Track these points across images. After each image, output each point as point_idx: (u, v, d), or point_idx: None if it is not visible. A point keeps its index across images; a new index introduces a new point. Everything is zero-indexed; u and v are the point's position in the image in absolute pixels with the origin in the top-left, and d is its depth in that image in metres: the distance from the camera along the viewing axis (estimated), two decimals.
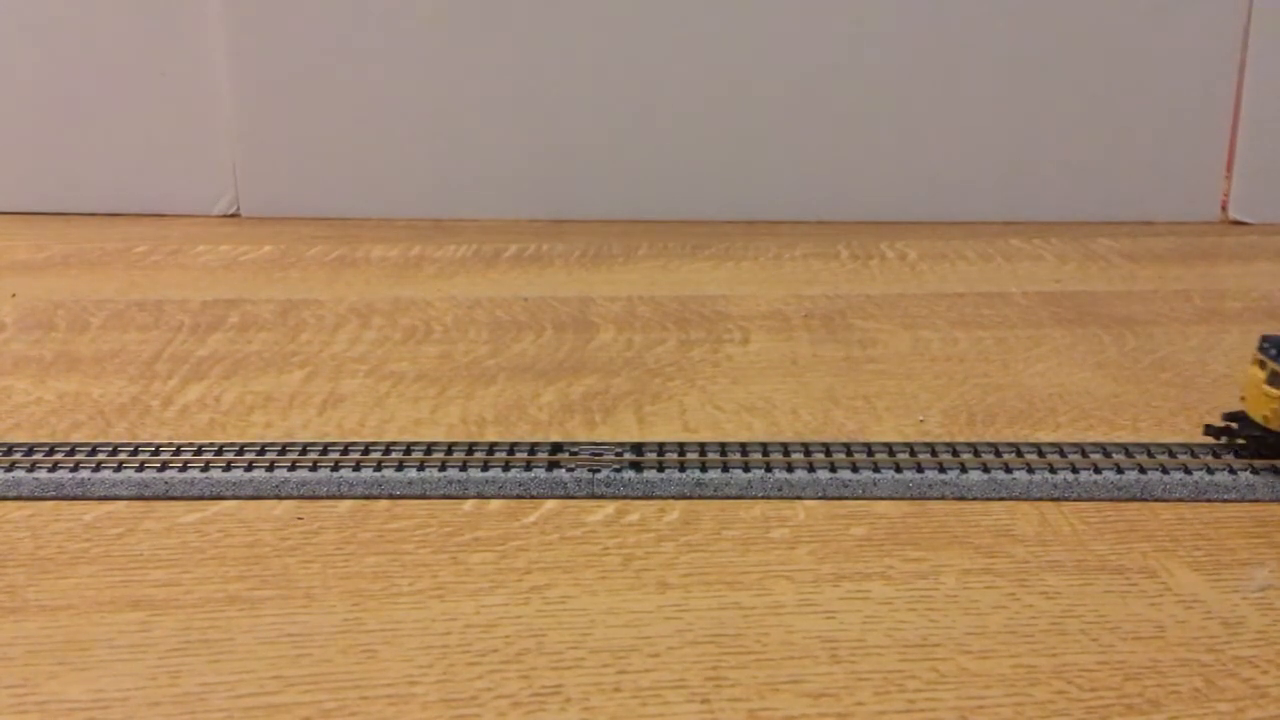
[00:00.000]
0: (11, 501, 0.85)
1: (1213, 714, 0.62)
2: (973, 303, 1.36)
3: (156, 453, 0.90)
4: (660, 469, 0.88)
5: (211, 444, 0.91)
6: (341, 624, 0.70)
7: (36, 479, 0.87)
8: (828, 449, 0.91)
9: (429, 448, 0.91)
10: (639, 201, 1.77)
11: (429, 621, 0.70)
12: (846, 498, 0.86)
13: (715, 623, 0.70)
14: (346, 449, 0.91)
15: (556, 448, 0.91)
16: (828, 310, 1.33)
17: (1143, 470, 0.87)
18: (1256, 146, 1.75)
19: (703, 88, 1.74)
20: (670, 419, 1.02)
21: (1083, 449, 0.90)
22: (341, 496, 0.86)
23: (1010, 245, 1.63)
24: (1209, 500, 0.85)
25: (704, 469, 0.88)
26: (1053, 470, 0.87)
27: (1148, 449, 0.90)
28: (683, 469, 0.88)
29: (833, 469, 0.88)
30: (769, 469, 0.88)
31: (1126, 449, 0.90)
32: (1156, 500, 0.85)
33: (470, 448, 0.91)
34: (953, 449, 0.91)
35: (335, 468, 0.88)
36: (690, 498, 0.86)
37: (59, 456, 0.89)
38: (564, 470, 0.88)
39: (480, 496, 0.86)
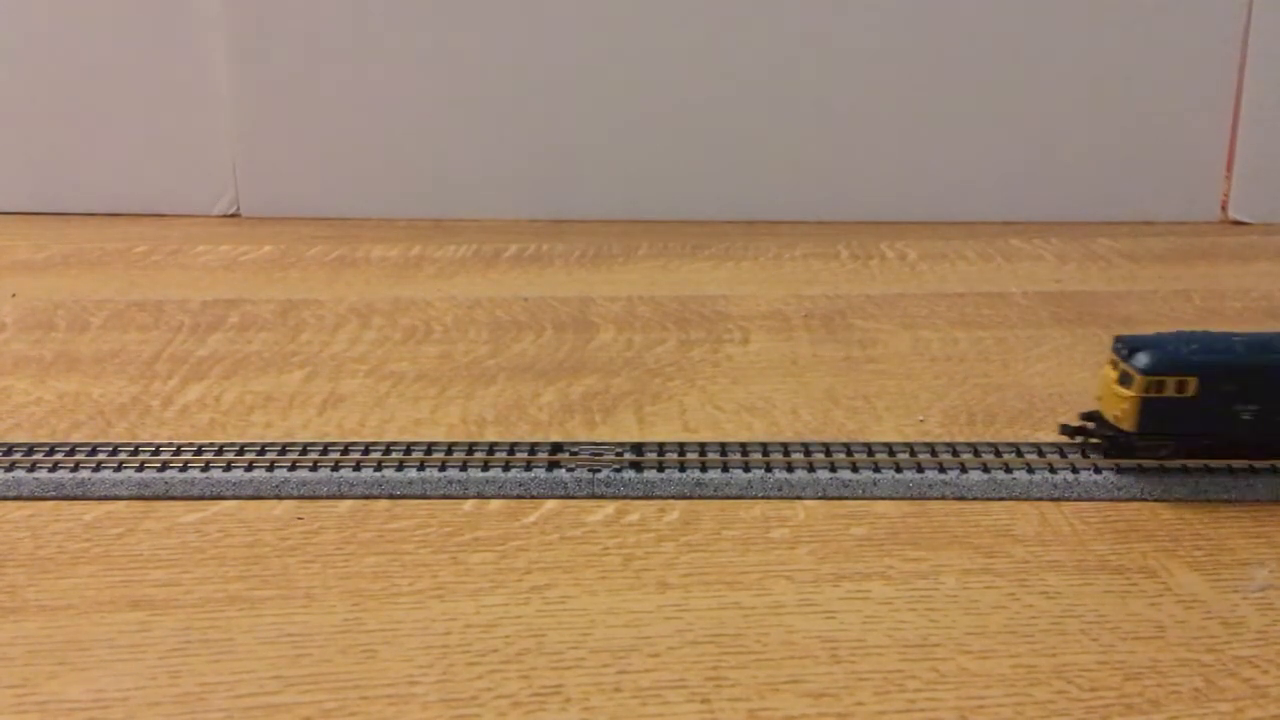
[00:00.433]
0: (11, 501, 0.85)
1: (1213, 714, 0.62)
2: (973, 303, 1.36)
3: (156, 453, 0.90)
4: (660, 469, 0.88)
5: (211, 444, 0.91)
6: (341, 624, 0.70)
7: (36, 479, 0.87)
8: (828, 449, 0.91)
9: (429, 448, 0.91)
10: (639, 201, 1.77)
11: (429, 621, 0.70)
12: (846, 498, 0.86)
13: (715, 623, 0.70)
14: (346, 449, 0.91)
15: (556, 448, 0.91)
16: (828, 310, 1.33)
17: (1140, 470, 0.87)
18: (1256, 146, 1.75)
19: (703, 88, 1.74)
20: (670, 419, 1.02)
21: (1084, 449, 0.90)
22: (341, 496, 0.86)
23: (1010, 245, 1.63)
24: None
25: (704, 469, 0.88)
26: (1053, 470, 0.87)
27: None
28: (683, 469, 0.88)
29: (833, 469, 0.88)
30: (769, 469, 0.88)
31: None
32: (1156, 500, 0.86)
33: (470, 448, 0.91)
34: (953, 449, 0.91)
35: (335, 468, 0.88)
36: (690, 498, 0.86)
37: (59, 456, 0.89)
38: (564, 470, 0.88)
39: (480, 496, 0.86)
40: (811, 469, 0.88)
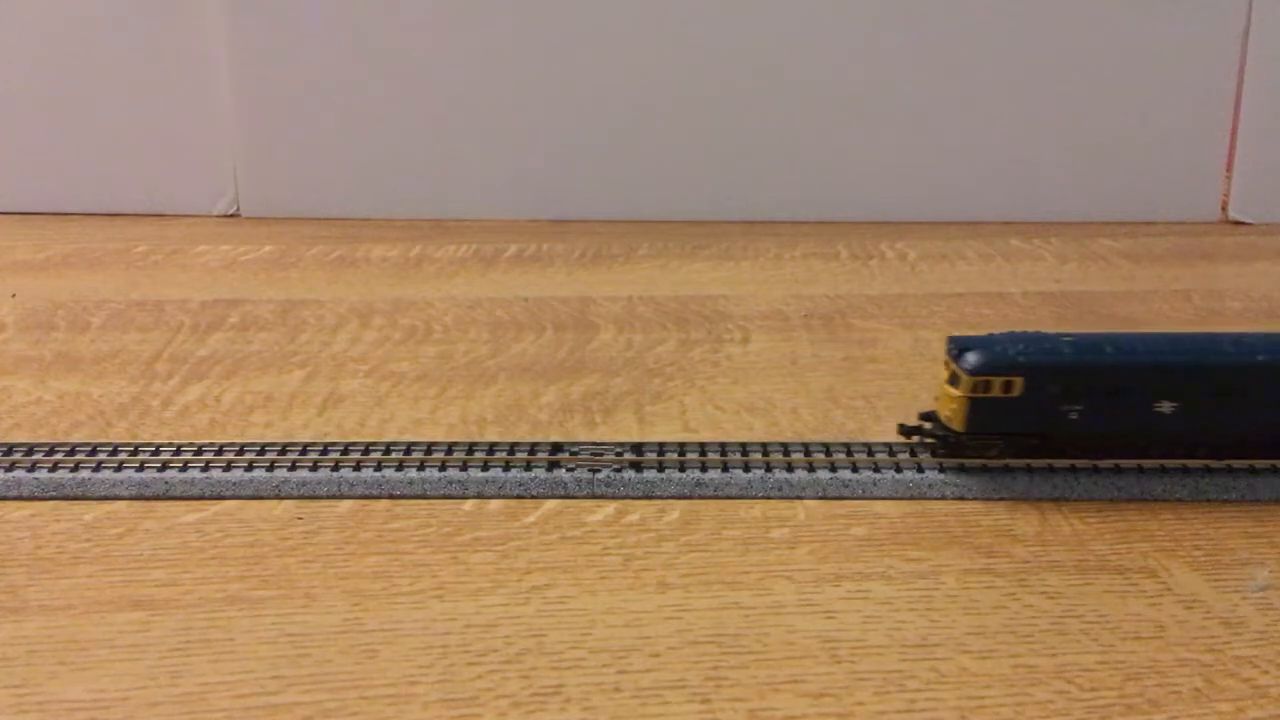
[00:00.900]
0: (12, 501, 0.85)
1: (1213, 714, 0.62)
2: (973, 303, 1.36)
3: (157, 453, 0.90)
4: (660, 469, 0.88)
5: (212, 444, 0.91)
6: (342, 624, 0.70)
7: (37, 479, 0.87)
8: (828, 449, 0.91)
9: (429, 448, 0.91)
10: (639, 201, 1.77)
11: (429, 621, 0.70)
12: (846, 498, 0.86)
13: (715, 623, 0.70)
14: (346, 449, 0.91)
15: (556, 448, 0.91)
16: (828, 310, 1.33)
17: (1142, 470, 0.87)
18: (1256, 146, 1.75)
19: (702, 88, 1.74)
20: (670, 419, 1.02)
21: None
22: (341, 496, 0.86)
23: (1010, 245, 1.63)
24: (1210, 500, 0.86)
25: (704, 469, 0.88)
26: (1052, 470, 0.87)
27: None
28: (683, 469, 0.88)
29: (833, 469, 0.88)
30: (769, 469, 0.88)
31: None
32: (1156, 500, 0.86)
33: (470, 448, 0.91)
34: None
35: (335, 468, 0.88)
36: (690, 498, 0.86)
37: (59, 456, 0.89)
38: (564, 470, 0.88)
39: (480, 496, 0.86)
40: (811, 469, 0.88)
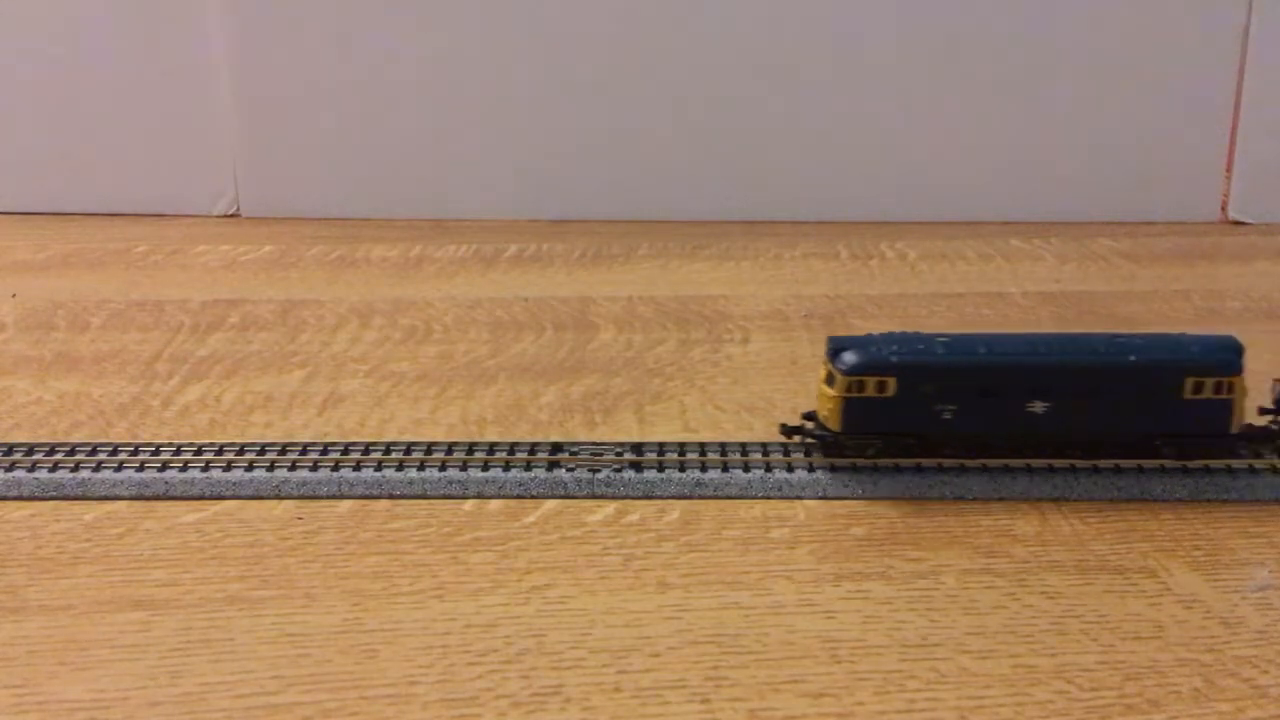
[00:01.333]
0: (12, 501, 0.85)
1: (1212, 714, 0.62)
2: (973, 303, 1.36)
3: (157, 453, 0.90)
4: (660, 469, 0.88)
5: (212, 444, 0.91)
6: (342, 624, 0.70)
7: (37, 479, 0.87)
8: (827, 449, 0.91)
9: (429, 448, 0.91)
10: (639, 201, 1.77)
11: (429, 621, 0.70)
12: (846, 498, 0.86)
13: (715, 623, 0.70)
14: (347, 449, 0.91)
15: (556, 448, 0.91)
16: (828, 310, 1.33)
17: (1141, 470, 0.87)
18: (1256, 146, 1.75)
19: (703, 88, 1.74)
20: (670, 419, 1.02)
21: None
22: (342, 496, 0.86)
23: (1010, 245, 1.63)
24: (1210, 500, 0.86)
25: (704, 469, 0.88)
26: (1052, 470, 0.87)
27: None
28: (683, 469, 0.88)
29: (832, 469, 0.88)
30: (769, 469, 0.88)
31: None
32: (1156, 500, 0.86)
33: (470, 448, 0.91)
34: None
35: (335, 468, 0.88)
36: (690, 498, 0.86)
37: (59, 456, 0.89)
38: (564, 470, 0.88)
39: (480, 496, 0.86)
40: (811, 469, 0.88)
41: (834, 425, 0.86)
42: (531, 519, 0.83)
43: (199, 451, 0.90)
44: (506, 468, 0.88)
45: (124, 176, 1.79)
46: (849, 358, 0.85)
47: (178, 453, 0.90)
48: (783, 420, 0.92)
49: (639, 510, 0.84)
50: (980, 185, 1.77)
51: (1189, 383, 0.84)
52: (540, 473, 0.88)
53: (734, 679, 0.65)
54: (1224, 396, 0.84)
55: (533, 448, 0.91)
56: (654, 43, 1.72)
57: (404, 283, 1.44)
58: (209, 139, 1.77)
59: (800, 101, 1.74)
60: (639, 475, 0.87)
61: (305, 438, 0.96)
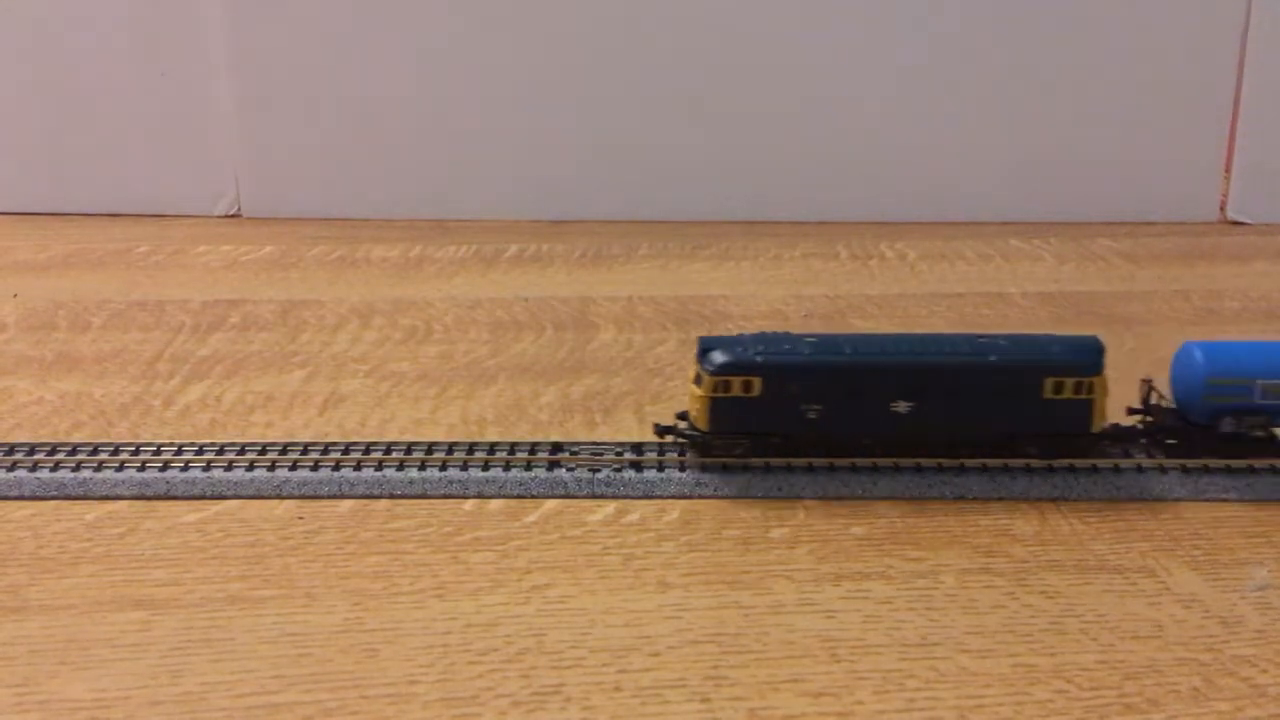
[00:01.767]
0: (13, 501, 0.86)
1: (1211, 713, 0.62)
2: (972, 303, 1.36)
3: (158, 452, 0.90)
4: (660, 469, 0.88)
5: (213, 444, 0.92)
6: (342, 623, 0.70)
7: (38, 479, 0.87)
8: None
9: (429, 448, 0.91)
10: (639, 201, 1.78)
11: (429, 621, 0.71)
12: (846, 497, 0.86)
13: (715, 622, 0.70)
14: (347, 449, 0.91)
15: (556, 448, 0.91)
16: (828, 310, 1.33)
17: (1140, 470, 0.88)
18: (1255, 146, 1.75)
19: (702, 89, 1.74)
20: (670, 419, 1.02)
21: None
22: (342, 496, 0.86)
23: (1009, 245, 1.63)
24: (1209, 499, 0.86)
25: (703, 469, 0.88)
26: (1051, 470, 0.88)
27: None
28: (682, 469, 0.88)
29: (832, 469, 0.88)
30: (768, 469, 0.88)
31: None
32: (1156, 500, 0.86)
33: (471, 447, 0.91)
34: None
35: (336, 467, 0.88)
36: (690, 498, 0.86)
37: (60, 456, 0.89)
38: (564, 470, 0.88)
39: (481, 496, 0.86)
40: (810, 468, 0.88)
41: (702, 425, 0.87)
42: (532, 519, 0.83)
43: (200, 451, 0.90)
44: (507, 467, 0.88)
45: (125, 177, 1.79)
46: (715, 358, 0.85)
47: (179, 452, 0.90)
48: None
49: (639, 510, 0.84)
50: (980, 185, 1.77)
51: (1049, 383, 0.85)
52: (540, 472, 0.88)
53: (734, 678, 0.65)
54: (1084, 396, 0.85)
55: (533, 448, 0.91)
56: (654, 43, 1.72)
57: (404, 283, 1.44)
58: (210, 139, 1.77)
59: (800, 102, 1.74)
60: (639, 475, 0.87)
61: (306, 437, 0.96)
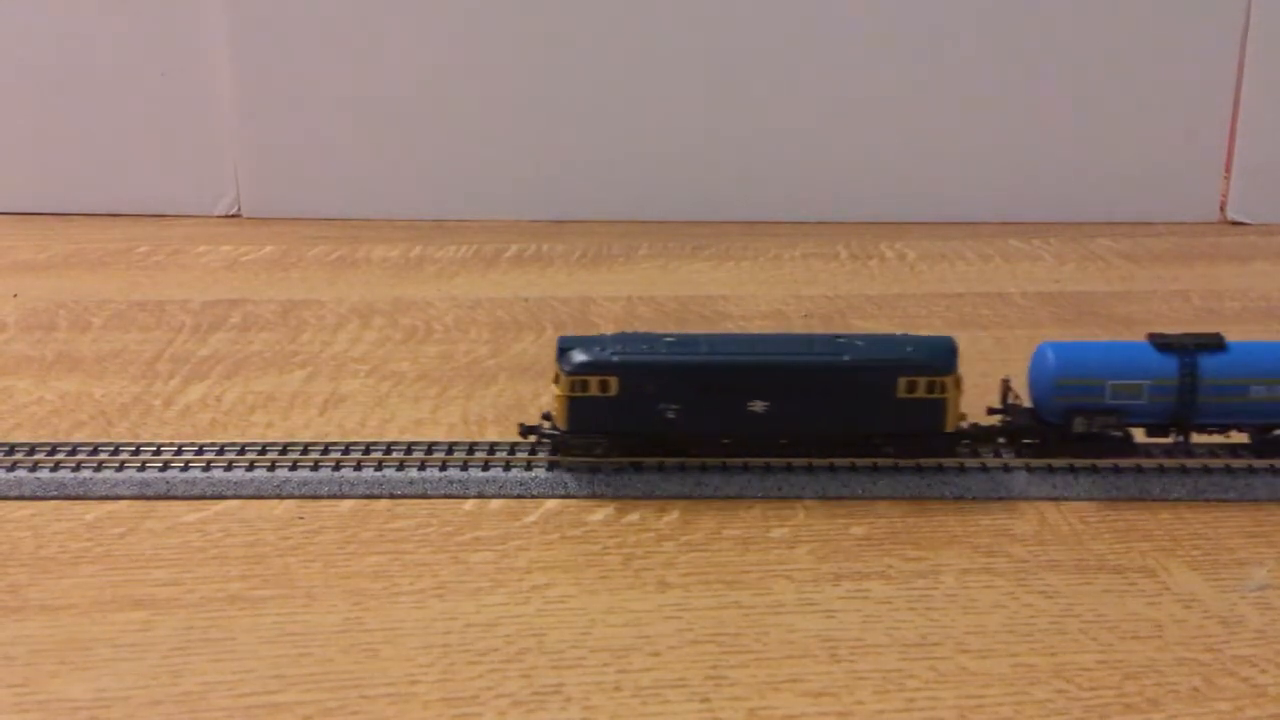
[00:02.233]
0: (13, 501, 0.86)
1: (1211, 713, 0.62)
2: (971, 303, 1.36)
3: (158, 452, 0.90)
4: (660, 468, 0.88)
5: (213, 444, 0.91)
6: (342, 623, 0.70)
7: (38, 479, 0.87)
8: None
9: (430, 447, 0.91)
10: (639, 202, 1.78)
11: (430, 621, 0.71)
12: (846, 497, 0.86)
13: (715, 622, 0.70)
14: (347, 449, 0.91)
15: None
16: (828, 310, 1.33)
17: (1140, 470, 0.88)
18: (1255, 147, 1.76)
19: (703, 89, 1.74)
20: None
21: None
22: (342, 496, 0.86)
23: (1009, 246, 1.63)
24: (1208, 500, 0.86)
25: (703, 469, 0.88)
26: (1051, 470, 0.88)
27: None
28: (682, 468, 0.88)
29: (832, 469, 0.88)
30: (769, 469, 0.88)
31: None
32: (1155, 500, 0.86)
33: (471, 447, 0.91)
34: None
35: (336, 467, 0.88)
36: (690, 497, 0.86)
37: (61, 456, 0.89)
38: (564, 470, 0.88)
39: (481, 496, 0.86)
40: (811, 468, 0.88)
41: (561, 424, 0.87)
42: (532, 518, 0.83)
43: (200, 451, 0.90)
44: (507, 467, 0.88)
45: (125, 177, 1.79)
46: (572, 358, 0.86)
47: (179, 452, 0.90)
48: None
49: (639, 510, 0.84)
50: (979, 186, 1.77)
51: (902, 382, 0.85)
52: (540, 472, 0.88)
53: (734, 678, 0.65)
54: (937, 396, 0.85)
55: (533, 447, 0.91)
56: (654, 43, 1.72)
57: (404, 283, 1.44)
58: (210, 139, 1.77)
59: (800, 102, 1.74)
60: (639, 475, 0.87)
61: (306, 437, 0.96)
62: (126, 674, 0.66)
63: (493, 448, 0.91)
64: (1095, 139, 1.74)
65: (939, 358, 0.86)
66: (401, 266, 1.52)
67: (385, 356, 1.17)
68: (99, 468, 0.88)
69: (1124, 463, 0.88)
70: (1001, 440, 0.90)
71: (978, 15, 1.71)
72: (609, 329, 1.26)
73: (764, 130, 1.75)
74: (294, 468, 0.88)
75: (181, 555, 0.78)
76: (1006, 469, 0.88)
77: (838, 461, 0.88)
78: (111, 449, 0.90)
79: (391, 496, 0.86)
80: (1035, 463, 0.88)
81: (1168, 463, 0.88)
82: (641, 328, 1.26)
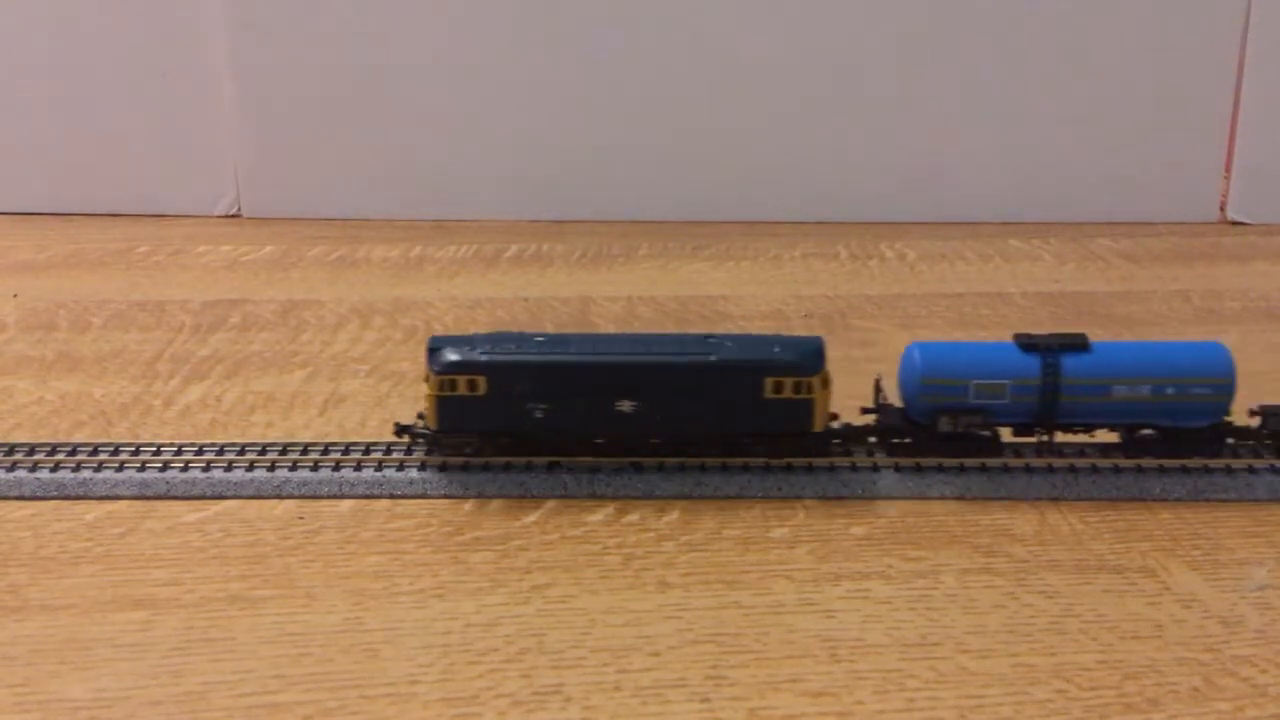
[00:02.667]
0: (13, 501, 0.86)
1: (1211, 713, 0.62)
2: (971, 303, 1.36)
3: (158, 452, 0.90)
4: (660, 468, 0.88)
5: (213, 444, 0.91)
6: (342, 623, 0.70)
7: (38, 479, 0.87)
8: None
9: None
10: (639, 202, 1.78)
11: (430, 620, 0.71)
12: (846, 497, 0.86)
13: (715, 622, 0.70)
14: (347, 449, 0.91)
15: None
16: (828, 310, 1.33)
17: (1141, 470, 0.88)
18: (1255, 147, 1.76)
19: (703, 88, 1.74)
20: None
21: (1082, 449, 0.90)
22: (342, 496, 0.86)
23: (1009, 246, 1.63)
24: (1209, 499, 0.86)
25: (703, 469, 0.88)
26: (1052, 470, 0.88)
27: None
28: (683, 468, 0.88)
29: (832, 468, 0.88)
30: (769, 468, 0.88)
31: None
32: (1155, 500, 0.86)
33: None
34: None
35: (336, 467, 0.88)
36: (690, 497, 0.86)
37: (61, 456, 0.89)
38: (564, 470, 0.88)
39: (481, 496, 0.86)
40: (810, 468, 0.88)
41: (431, 424, 0.87)
42: (532, 518, 0.83)
43: (200, 451, 0.90)
44: (507, 467, 0.88)
45: (125, 177, 1.79)
46: (441, 357, 0.86)
47: (179, 452, 0.90)
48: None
49: (639, 510, 0.85)
50: (979, 186, 1.77)
51: (769, 383, 0.85)
52: (540, 472, 0.88)
53: (734, 678, 0.65)
54: (803, 396, 0.85)
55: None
56: (654, 43, 1.72)
57: (405, 283, 1.44)
58: (210, 139, 1.77)
59: (800, 101, 1.74)
60: (639, 475, 0.87)
61: (306, 437, 0.96)
62: (126, 674, 0.66)
63: None
64: (1095, 139, 1.74)
65: (806, 358, 0.86)
66: (401, 266, 1.52)
67: (385, 356, 1.17)
68: (99, 468, 0.88)
69: (1124, 463, 0.88)
70: (872, 440, 0.90)
71: (978, 15, 1.70)
72: (609, 329, 1.26)
73: (764, 130, 1.75)
74: (294, 468, 0.88)
75: (181, 555, 0.78)
76: (1006, 469, 0.88)
77: (837, 461, 0.88)
78: (111, 449, 0.90)
79: (391, 496, 0.86)
80: (1035, 463, 0.88)
81: (1168, 462, 0.88)
82: (642, 327, 1.26)
